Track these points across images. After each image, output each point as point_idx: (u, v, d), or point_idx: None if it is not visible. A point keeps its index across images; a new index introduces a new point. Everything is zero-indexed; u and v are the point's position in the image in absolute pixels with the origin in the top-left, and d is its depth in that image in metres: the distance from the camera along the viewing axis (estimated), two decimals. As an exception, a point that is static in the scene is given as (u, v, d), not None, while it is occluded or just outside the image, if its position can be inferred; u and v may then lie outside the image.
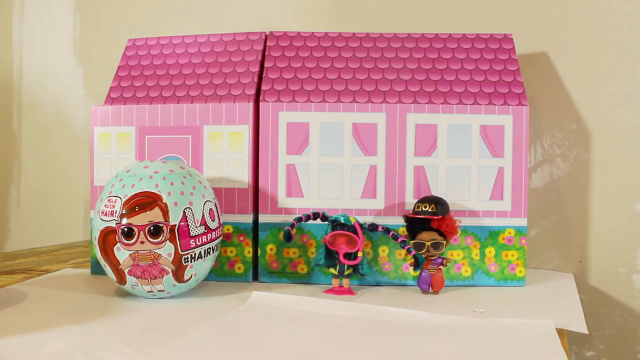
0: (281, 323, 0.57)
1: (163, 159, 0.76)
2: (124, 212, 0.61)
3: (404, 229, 0.73)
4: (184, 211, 0.63)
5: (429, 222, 0.69)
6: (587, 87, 0.91)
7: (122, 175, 0.65)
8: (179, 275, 0.64)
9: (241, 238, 0.75)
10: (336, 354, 0.48)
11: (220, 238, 0.69)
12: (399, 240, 0.71)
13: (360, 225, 0.70)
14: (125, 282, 0.64)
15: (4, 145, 1.30)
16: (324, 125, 0.75)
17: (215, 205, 0.68)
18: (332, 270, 0.71)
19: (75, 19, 1.24)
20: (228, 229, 0.75)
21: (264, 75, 0.79)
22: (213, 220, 0.66)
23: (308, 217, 0.72)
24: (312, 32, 0.84)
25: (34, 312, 0.59)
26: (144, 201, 0.62)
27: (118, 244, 0.62)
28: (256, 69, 0.81)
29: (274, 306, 0.62)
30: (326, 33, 0.84)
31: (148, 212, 0.61)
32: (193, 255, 0.64)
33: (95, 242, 0.64)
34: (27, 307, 0.61)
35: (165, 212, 0.62)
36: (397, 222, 0.74)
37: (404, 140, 0.75)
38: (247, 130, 0.76)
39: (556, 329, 0.54)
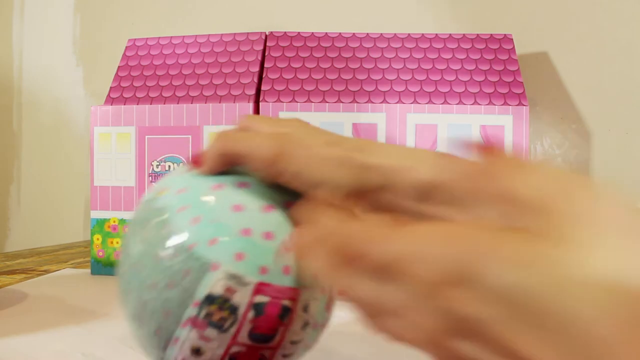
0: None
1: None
2: None
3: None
4: None
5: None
6: (587, 87, 0.91)
7: None
8: None
9: (241, 238, 0.75)
10: (336, 354, 0.48)
11: None
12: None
13: (360, 225, 0.70)
14: None
15: (4, 145, 1.30)
16: (324, 125, 0.75)
17: None
18: (332, 270, 0.71)
19: (75, 19, 1.24)
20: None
21: (264, 76, 0.79)
22: None
23: (308, 217, 0.72)
24: (312, 32, 0.84)
25: (34, 312, 0.59)
26: None
27: None
28: (256, 69, 0.81)
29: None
30: (326, 33, 0.84)
31: None
32: None
33: None
34: (27, 307, 0.61)
35: None
36: (397, 222, 0.74)
37: (404, 140, 0.75)
38: (247, 131, 0.75)
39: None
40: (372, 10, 1.03)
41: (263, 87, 0.78)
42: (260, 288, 0.31)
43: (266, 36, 0.84)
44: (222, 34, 0.86)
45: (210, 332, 0.31)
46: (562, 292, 0.16)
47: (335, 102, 0.76)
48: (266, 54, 0.82)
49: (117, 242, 0.78)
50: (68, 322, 0.55)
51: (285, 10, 1.09)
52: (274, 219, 0.32)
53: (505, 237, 0.18)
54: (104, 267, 0.79)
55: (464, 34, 0.83)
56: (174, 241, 0.32)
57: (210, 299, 0.30)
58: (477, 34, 0.83)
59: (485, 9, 0.96)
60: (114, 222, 0.78)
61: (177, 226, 0.31)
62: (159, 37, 0.87)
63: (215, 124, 0.76)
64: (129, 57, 0.86)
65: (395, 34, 0.83)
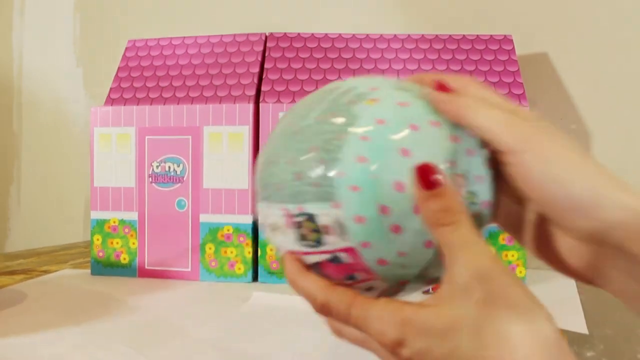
0: (282, 323, 0.57)
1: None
2: None
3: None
4: None
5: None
6: (587, 87, 0.92)
7: None
8: None
9: (241, 238, 0.75)
10: (337, 354, 0.48)
11: None
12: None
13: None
14: None
15: (4, 145, 1.30)
16: (324, 125, 0.75)
17: None
18: (332, 270, 0.71)
19: (75, 19, 1.24)
20: (228, 230, 0.76)
21: (264, 76, 0.79)
22: None
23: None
24: (312, 33, 0.84)
25: (34, 312, 0.59)
26: None
27: None
28: (256, 69, 0.81)
29: (275, 306, 0.62)
30: (326, 34, 0.84)
31: None
32: None
33: None
34: (27, 308, 0.61)
35: None
36: (397, 222, 0.74)
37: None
38: (247, 131, 0.76)
39: (556, 329, 0.54)
40: (371, 11, 1.03)
41: (263, 88, 0.78)
42: (349, 251, 0.31)
43: (266, 37, 0.84)
44: (222, 35, 0.86)
45: (291, 234, 0.32)
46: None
47: (335, 103, 0.76)
48: (266, 54, 0.82)
49: (117, 243, 0.78)
50: (68, 323, 0.55)
51: (285, 11, 1.08)
52: (414, 222, 0.30)
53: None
54: (104, 267, 0.79)
55: (463, 35, 0.83)
56: (336, 141, 0.30)
57: (311, 218, 0.31)
58: (477, 35, 0.83)
59: (485, 9, 0.96)
60: (114, 222, 0.78)
61: (349, 141, 0.30)
62: (159, 38, 0.87)
63: (216, 125, 0.76)
64: (129, 57, 0.86)
65: (395, 34, 0.83)
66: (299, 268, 0.32)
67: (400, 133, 0.30)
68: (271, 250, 0.75)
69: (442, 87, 0.32)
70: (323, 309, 0.31)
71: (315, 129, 0.32)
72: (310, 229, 0.31)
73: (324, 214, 0.30)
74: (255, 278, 0.77)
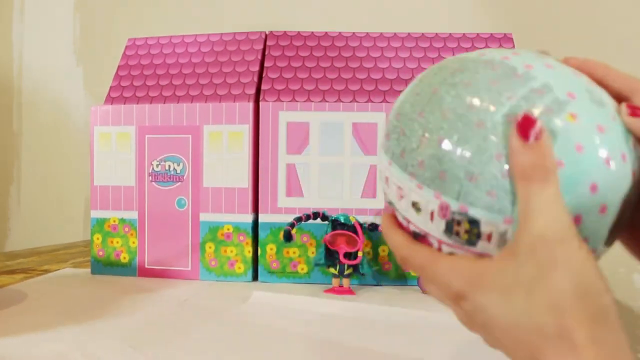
0: (282, 323, 0.57)
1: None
2: None
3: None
4: None
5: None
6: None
7: None
8: None
9: (241, 238, 0.75)
10: (336, 354, 0.48)
11: None
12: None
13: (361, 225, 0.70)
14: None
15: (4, 145, 1.30)
16: (324, 124, 0.75)
17: None
18: (332, 270, 0.71)
19: (75, 19, 1.24)
20: (228, 229, 0.75)
21: (264, 75, 0.79)
22: None
23: (308, 217, 0.72)
24: (312, 32, 0.84)
25: (34, 312, 0.59)
26: None
27: None
28: (256, 68, 0.81)
29: (275, 306, 0.62)
30: (326, 32, 0.84)
31: None
32: None
33: None
34: (27, 307, 0.61)
35: None
36: (397, 221, 0.74)
37: (404, 140, 0.75)
38: (247, 130, 0.75)
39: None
40: (371, 9, 1.03)
41: (263, 87, 0.78)
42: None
43: (266, 35, 0.84)
44: (221, 34, 0.85)
45: (439, 224, 0.30)
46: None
47: (335, 102, 0.76)
48: (266, 53, 0.82)
49: (117, 242, 0.78)
50: (68, 322, 0.55)
51: (285, 10, 1.09)
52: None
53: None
54: (104, 266, 0.79)
55: (464, 34, 0.83)
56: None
57: (473, 222, 0.29)
58: (477, 34, 0.83)
59: (486, 8, 0.96)
60: (114, 221, 0.78)
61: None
62: (159, 37, 0.87)
63: (216, 124, 0.76)
64: (129, 56, 0.86)
65: (395, 33, 0.83)
66: (391, 224, 0.35)
67: (594, 167, 0.29)
68: (271, 249, 0.75)
69: (636, 112, 0.31)
70: (403, 261, 0.34)
71: (502, 130, 0.29)
72: (465, 230, 0.30)
73: (491, 225, 0.29)
74: (255, 277, 0.77)
